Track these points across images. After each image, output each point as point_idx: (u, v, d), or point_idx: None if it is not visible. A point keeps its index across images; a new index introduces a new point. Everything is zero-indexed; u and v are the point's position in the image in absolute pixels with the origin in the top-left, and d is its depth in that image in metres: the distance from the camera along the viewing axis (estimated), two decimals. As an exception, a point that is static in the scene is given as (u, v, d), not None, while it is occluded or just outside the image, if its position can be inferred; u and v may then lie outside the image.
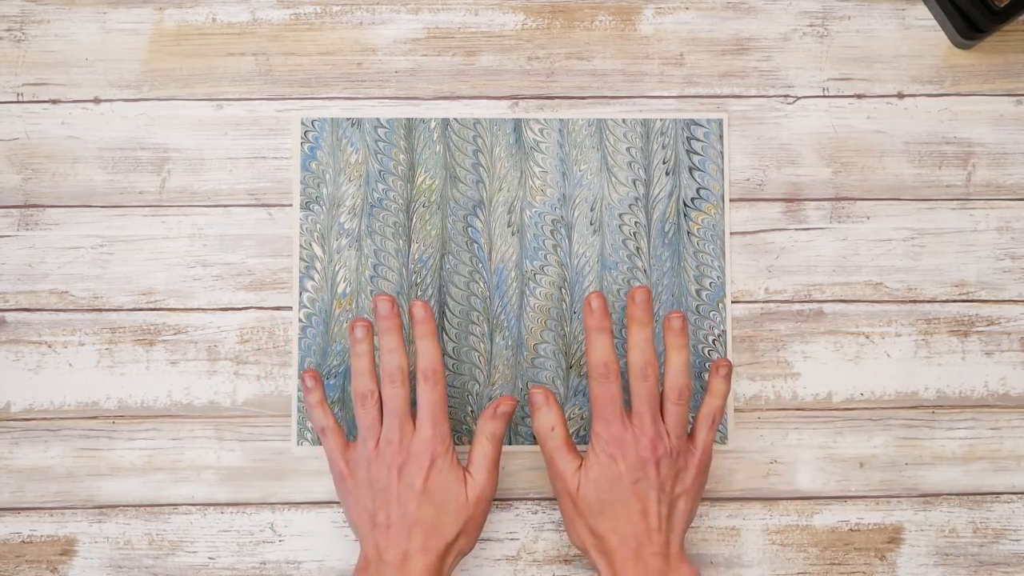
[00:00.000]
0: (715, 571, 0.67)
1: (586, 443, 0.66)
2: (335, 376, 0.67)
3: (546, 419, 0.63)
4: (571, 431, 0.66)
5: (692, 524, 0.67)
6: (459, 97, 0.68)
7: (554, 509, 0.67)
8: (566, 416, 0.66)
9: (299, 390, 0.66)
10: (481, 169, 0.68)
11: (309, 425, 0.66)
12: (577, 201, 0.68)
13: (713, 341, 0.67)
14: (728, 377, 0.64)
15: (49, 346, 0.67)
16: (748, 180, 0.68)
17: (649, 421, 0.61)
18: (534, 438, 0.66)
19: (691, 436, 0.63)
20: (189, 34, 0.68)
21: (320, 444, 0.66)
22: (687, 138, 0.68)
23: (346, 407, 0.66)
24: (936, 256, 0.68)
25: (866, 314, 0.68)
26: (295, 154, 0.67)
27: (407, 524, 0.60)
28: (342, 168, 0.67)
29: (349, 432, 0.66)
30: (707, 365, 0.67)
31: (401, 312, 0.66)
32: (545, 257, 0.67)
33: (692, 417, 0.65)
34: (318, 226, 0.67)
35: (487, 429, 0.63)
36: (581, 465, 0.62)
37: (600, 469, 0.61)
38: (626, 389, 0.63)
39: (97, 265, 0.67)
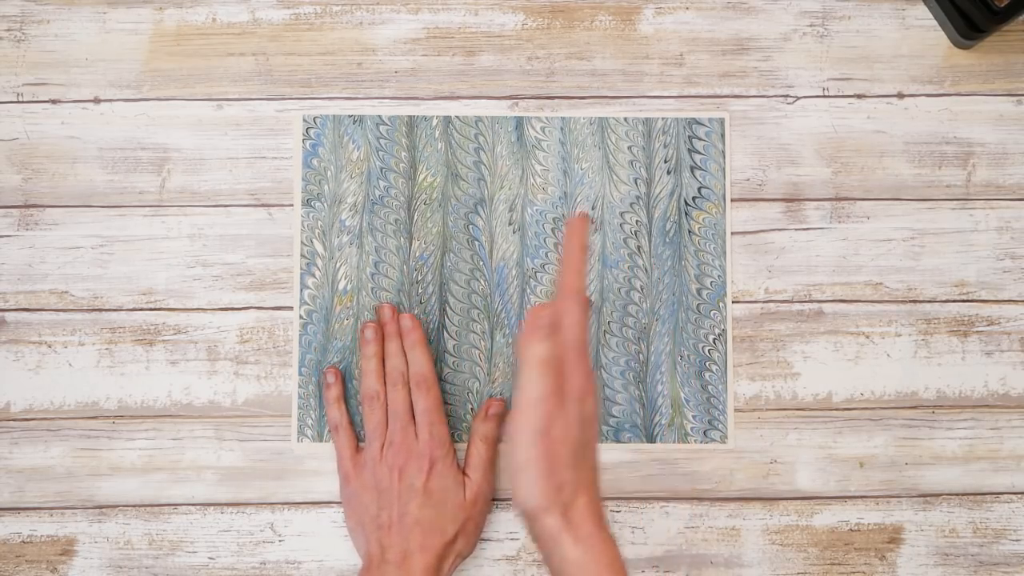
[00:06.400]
0: (715, 571, 0.67)
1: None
2: (335, 375, 0.67)
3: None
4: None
5: (692, 524, 0.67)
6: (459, 97, 0.68)
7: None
8: None
9: (300, 387, 0.66)
10: (482, 167, 0.68)
11: (309, 423, 0.66)
12: (578, 199, 0.68)
13: (713, 340, 0.67)
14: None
15: (49, 346, 0.67)
16: (748, 180, 0.68)
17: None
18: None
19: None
20: (189, 34, 0.68)
21: (320, 441, 0.66)
22: (689, 137, 0.68)
23: (347, 405, 0.66)
24: (936, 256, 0.68)
25: (866, 314, 0.68)
26: (296, 151, 0.67)
27: (408, 524, 0.61)
28: (344, 165, 0.67)
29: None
30: (707, 365, 0.67)
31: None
32: (546, 255, 0.67)
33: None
34: (319, 223, 0.67)
35: (480, 431, 0.65)
36: None
37: None
38: None
39: (97, 265, 0.67)
